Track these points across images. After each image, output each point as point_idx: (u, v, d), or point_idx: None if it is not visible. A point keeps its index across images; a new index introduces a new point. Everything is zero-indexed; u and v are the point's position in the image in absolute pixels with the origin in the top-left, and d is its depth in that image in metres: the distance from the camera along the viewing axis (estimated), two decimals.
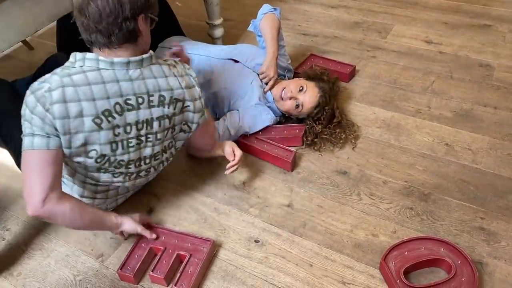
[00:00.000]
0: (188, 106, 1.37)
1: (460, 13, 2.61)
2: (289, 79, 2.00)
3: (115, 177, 1.38)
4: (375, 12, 2.68)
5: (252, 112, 1.79)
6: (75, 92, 1.18)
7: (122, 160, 1.33)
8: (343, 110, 1.95)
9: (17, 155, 1.44)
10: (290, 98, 1.78)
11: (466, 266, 1.31)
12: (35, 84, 1.19)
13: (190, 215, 1.56)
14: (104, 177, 1.36)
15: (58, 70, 1.21)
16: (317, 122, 1.79)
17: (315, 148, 1.77)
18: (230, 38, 2.39)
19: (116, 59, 1.22)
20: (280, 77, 1.97)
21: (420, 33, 2.46)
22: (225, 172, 1.57)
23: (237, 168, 1.58)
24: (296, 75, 2.07)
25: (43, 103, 1.17)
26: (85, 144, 1.23)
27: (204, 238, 1.43)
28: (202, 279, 1.37)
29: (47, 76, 1.20)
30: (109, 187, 1.44)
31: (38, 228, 1.55)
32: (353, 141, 1.79)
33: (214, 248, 1.44)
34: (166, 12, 2.13)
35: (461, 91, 2.05)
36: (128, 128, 1.28)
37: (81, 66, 1.22)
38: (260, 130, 1.81)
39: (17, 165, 1.45)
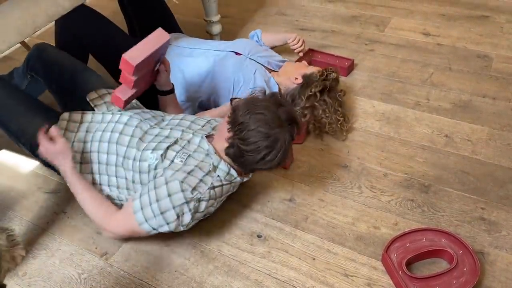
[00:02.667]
0: None
1: (458, 5, 2.61)
2: None
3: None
4: (372, 5, 2.68)
5: None
6: (210, 205, 1.37)
7: None
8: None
9: (31, 147, 1.50)
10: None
11: (468, 256, 1.33)
12: (189, 194, 1.29)
13: None
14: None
15: (208, 178, 1.33)
16: (319, 95, 1.75)
17: (316, 131, 1.79)
18: (228, 35, 2.39)
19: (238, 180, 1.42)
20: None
21: (418, 25, 2.46)
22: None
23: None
24: None
25: (193, 217, 1.32)
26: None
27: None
28: None
29: (197, 182, 1.30)
30: None
31: (42, 228, 1.55)
32: (344, 133, 1.79)
33: (164, 33, 1.49)
34: (163, 10, 2.13)
35: (460, 82, 2.05)
36: None
37: (220, 177, 1.36)
38: None
39: (34, 155, 1.52)
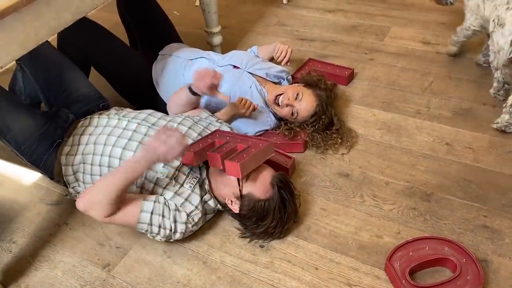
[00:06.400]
0: None
1: (457, 13, 2.61)
2: (288, 81, 2.01)
3: None
4: (372, 15, 2.70)
5: (254, 114, 1.81)
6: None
7: None
8: (342, 115, 1.96)
9: (14, 145, 1.57)
10: (287, 105, 1.79)
11: (471, 265, 1.32)
12: (189, 226, 1.44)
13: None
14: None
15: (204, 211, 1.49)
16: (313, 129, 1.80)
17: (317, 150, 1.79)
18: (228, 45, 2.41)
19: None
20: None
21: (417, 34, 2.47)
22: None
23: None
24: (294, 80, 2.08)
25: (184, 236, 1.45)
26: None
27: (264, 139, 1.50)
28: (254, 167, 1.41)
29: (199, 217, 1.46)
30: None
31: (45, 239, 1.55)
32: (348, 149, 1.80)
33: (272, 147, 1.49)
34: (164, 21, 2.15)
35: (460, 90, 2.06)
36: None
37: (211, 211, 1.53)
38: (261, 135, 1.83)
39: (18, 154, 1.58)
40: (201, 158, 1.46)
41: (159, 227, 1.40)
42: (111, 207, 1.33)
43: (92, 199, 1.34)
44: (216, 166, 1.44)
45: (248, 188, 1.41)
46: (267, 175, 1.43)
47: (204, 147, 1.47)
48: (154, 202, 1.40)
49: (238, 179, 1.41)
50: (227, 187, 1.44)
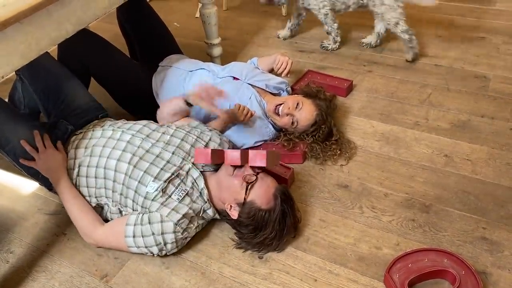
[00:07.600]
0: None
1: (454, 27, 2.65)
2: (287, 93, 2.02)
3: None
4: (370, 27, 2.71)
5: (253, 124, 1.81)
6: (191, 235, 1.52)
7: None
8: (341, 126, 1.96)
9: (13, 156, 1.58)
10: (287, 115, 1.80)
11: (470, 277, 1.32)
12: (179, 235, 1.42)
13: None
14: None
15: (196, 218, 1.47)
16: (312, 139, 1.81)
17: (316, 161, 1.79)
18: (228, 57, 2.43)
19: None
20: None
21: None
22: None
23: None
24: (293, 91, 2.09)
25: (178, 246, 1.45)
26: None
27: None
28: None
29: (187, 224, 1.44)
30: None
31: (42, 250, 1.55)
32: (347, 160, 1.80)
33: (279, 156, 1.58)
34: (164, 33, 2.17)
35: (458, 102, 2.07)
36: None
37: (205, 219, 1.52)
38: (261, 145, 1.83)
39: (17, 165, 1.61)
40: (217, 157, 1.43)
41: (146, 247, 1.42)
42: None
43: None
44: (233, 163, 1.42)
45: (252, 195, 1.41)
46: (271, 185, 1.43)
47: (218, 150, 1.45)
48: (134, 225, 1.42)
49: (246, 186, 1.40)
50: (231, 192, 1.44)
